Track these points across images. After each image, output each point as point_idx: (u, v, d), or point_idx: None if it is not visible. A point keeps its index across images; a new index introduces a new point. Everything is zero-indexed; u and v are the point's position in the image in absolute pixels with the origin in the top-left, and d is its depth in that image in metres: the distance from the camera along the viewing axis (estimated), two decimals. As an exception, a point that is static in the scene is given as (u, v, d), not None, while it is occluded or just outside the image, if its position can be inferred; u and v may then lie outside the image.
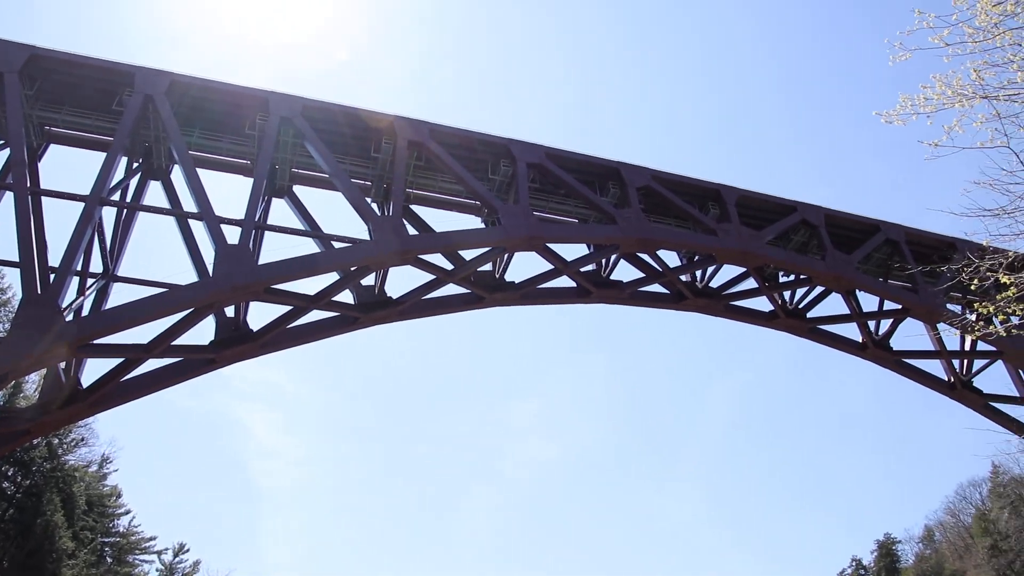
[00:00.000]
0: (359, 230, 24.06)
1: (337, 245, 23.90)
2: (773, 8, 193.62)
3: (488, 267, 27.50)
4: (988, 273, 10.30)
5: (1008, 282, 10.08)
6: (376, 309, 25.61)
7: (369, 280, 25.62)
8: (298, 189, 27.47)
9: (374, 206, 26.30)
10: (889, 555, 78.61)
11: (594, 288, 29.16)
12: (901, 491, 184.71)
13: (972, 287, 11.62)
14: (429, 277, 25.95)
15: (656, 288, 30.82)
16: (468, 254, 26.19)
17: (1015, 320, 33.88)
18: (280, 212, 35.59)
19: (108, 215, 24.33)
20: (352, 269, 24.23)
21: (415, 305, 26.44)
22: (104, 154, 23.04)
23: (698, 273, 31.50)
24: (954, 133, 10.06)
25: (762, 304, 32.78)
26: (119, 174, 24.05)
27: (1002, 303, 10.56)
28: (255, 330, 24.06)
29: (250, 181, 24.19)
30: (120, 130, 23.24)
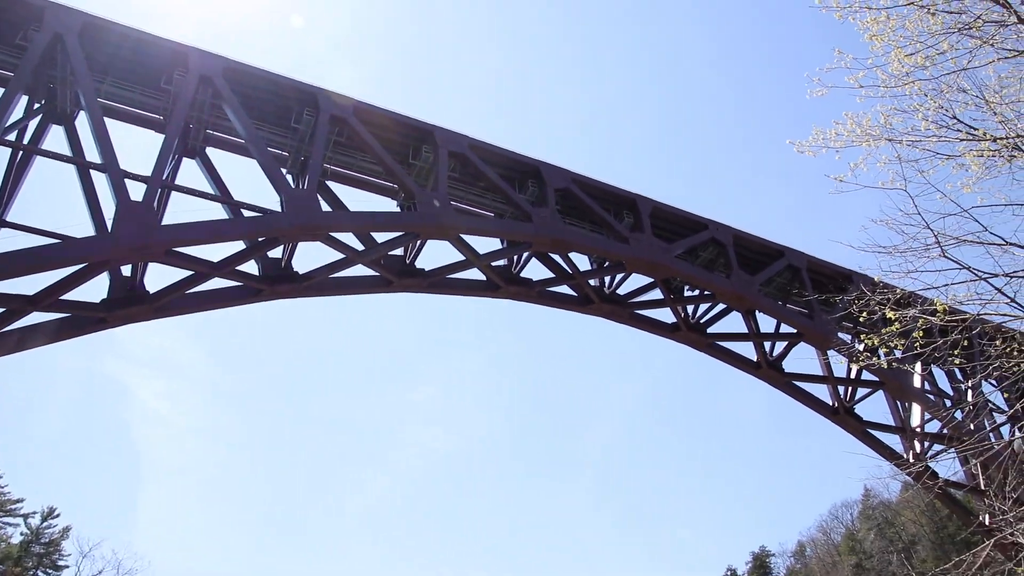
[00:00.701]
0: (271, 200, 23.80)
1: (247, 213, 23.64)
2: (708, 31, 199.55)
3: (399, 252, 27.75)
4: (877, 307, 10.91)
5: (893, 317, 10.74)
6: (281, 283, 25.44)
7: (276, 252, 25.45)
8: (211, 152, 26.86)
9: (289, 178, 26.05)
10: (763, 567, 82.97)
11: (503, 283, 29.78)
12: (779, 507, 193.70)
13: (861, 319, 12.26)
14: (338, 256, 25.95)
15: (564, 289, 31.71)
16: (380, 236, 26.32)
17: (897, 354, 36.24)
18: (190, 173, 34.77)
19: (1, 155, 23.34)
20: (260, 240, 23.99)
21: (321, 283, 26.41)
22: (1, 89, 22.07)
23: (607, 279, 32.57)
24: (859, 171, 10.79)
25: (666, 315, 34.14)
26: (17, 113, 23.12)
27: (886, 336, 11.14)
28: (151, 292, 23.60)
29: (161, 137, 23.60)
30: (22, 66, 22.18)
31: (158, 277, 24.45)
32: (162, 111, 25.70)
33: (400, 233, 26.28)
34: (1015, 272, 10.07)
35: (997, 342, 11.37)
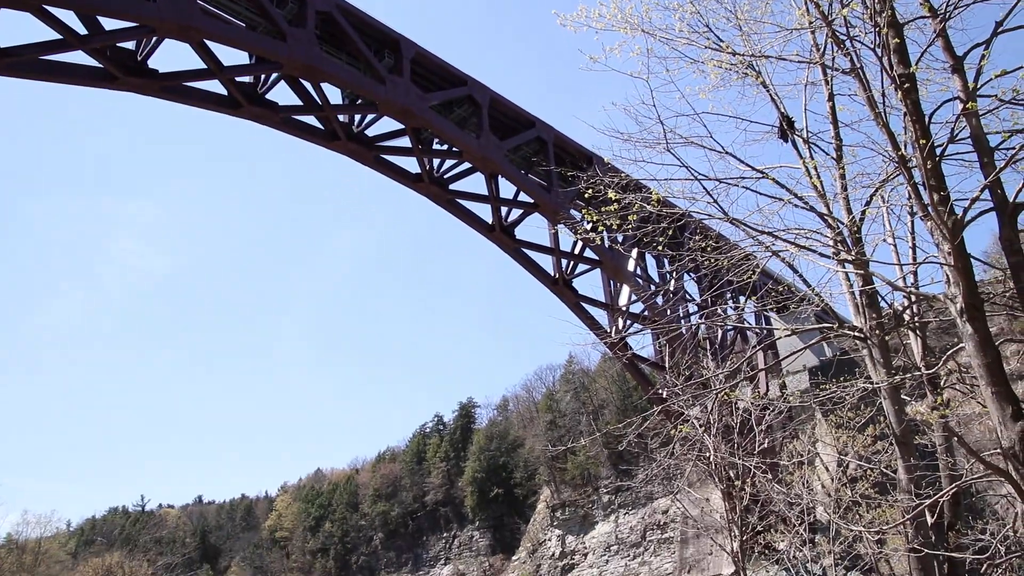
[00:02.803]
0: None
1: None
2: None
3: (130, 46, 25.94)
4: (603, 188, 11.58)
5: (614, 198, 11.44)
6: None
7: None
8: None
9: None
10: (468, 416, 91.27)
11: (246, 102, 28.99)
12: (490, 365, 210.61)
13: (587, 195, 13.11)
14: (55, 36, 23.79)
15: (311, 120, 31.57)
16: (110, 23, 24.41)
17: (619, 238, 40.61)
18: None
19: None
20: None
21: (31, 63, 24.10)
22: None
23: (356, 117, 32.81)
24: (612, 55, 11.16)
25: (411, 165, 35.32)
26: None
27: (604, 215, 11.81)
28: None
29: None
30: None
31: None
32: None
33: (134, 24, 24.50)
34: (726, 179, 11.15)
35: (697, 237, 12.69)
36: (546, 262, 41.56)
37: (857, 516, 11.96)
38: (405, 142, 33.48)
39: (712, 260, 12.17)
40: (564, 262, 41.70)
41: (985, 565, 11.88)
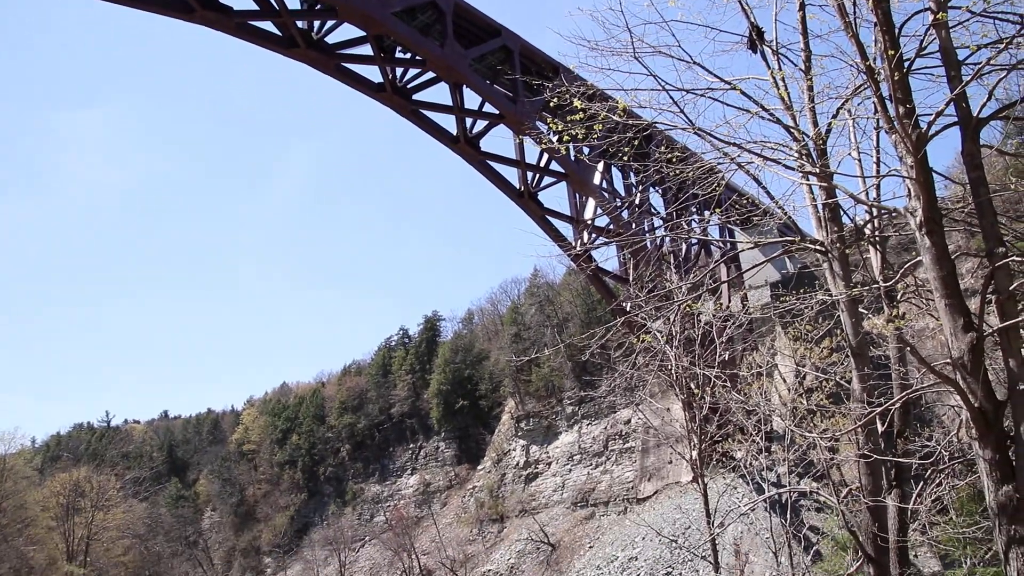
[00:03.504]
0: None
1: None
2: None
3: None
4: (569, 97, 11.38)
5: (580, 107, 11.30)
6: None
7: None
8: None
9: None
10: (433, 329, 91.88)
11: (198, 6, 27.88)
12: (455, 278, 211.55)
13: (552, 104, 12.84)
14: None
15: (268, 26, 30.50)
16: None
17: (585, 151, 40.42)
18: None
19: None
20: None
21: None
22: None
23: (316, 24, 31.74)
24: None
25: (373, 74, 34.49)
26: None
27: (569, 124, 11.62)
28: None
29: None
30: None
31: None
32: None
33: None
34: (693, 89, 10.99)
35: (663, 148, 12.47)
36: (512, 175, 41.34)
37: (812, 425, 12.38)
38: (367, 50, 32.58)
39: (677, 172, 12.12)
40: (530, 175, 41.50)
41: (929, 471, 12.45)
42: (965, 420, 7.13)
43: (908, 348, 8.73)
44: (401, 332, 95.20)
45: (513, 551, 59.21)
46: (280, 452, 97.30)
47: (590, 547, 52.72)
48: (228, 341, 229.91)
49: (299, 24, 30.76)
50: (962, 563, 14.99)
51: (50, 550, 48.99)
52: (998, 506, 6.41)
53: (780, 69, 11.60)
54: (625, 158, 12.67)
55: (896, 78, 8.22)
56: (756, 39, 11.72)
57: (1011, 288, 7.12)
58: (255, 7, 29.30)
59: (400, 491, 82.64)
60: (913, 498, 12.32)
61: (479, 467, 74.61)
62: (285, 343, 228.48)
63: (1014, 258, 7.52)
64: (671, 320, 14.65)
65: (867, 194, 11.69)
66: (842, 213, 11.71)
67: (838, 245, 11.18)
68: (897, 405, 10.34)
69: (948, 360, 7.06)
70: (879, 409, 9.29)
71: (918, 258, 8.53)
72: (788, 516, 14.35)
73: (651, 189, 38.88)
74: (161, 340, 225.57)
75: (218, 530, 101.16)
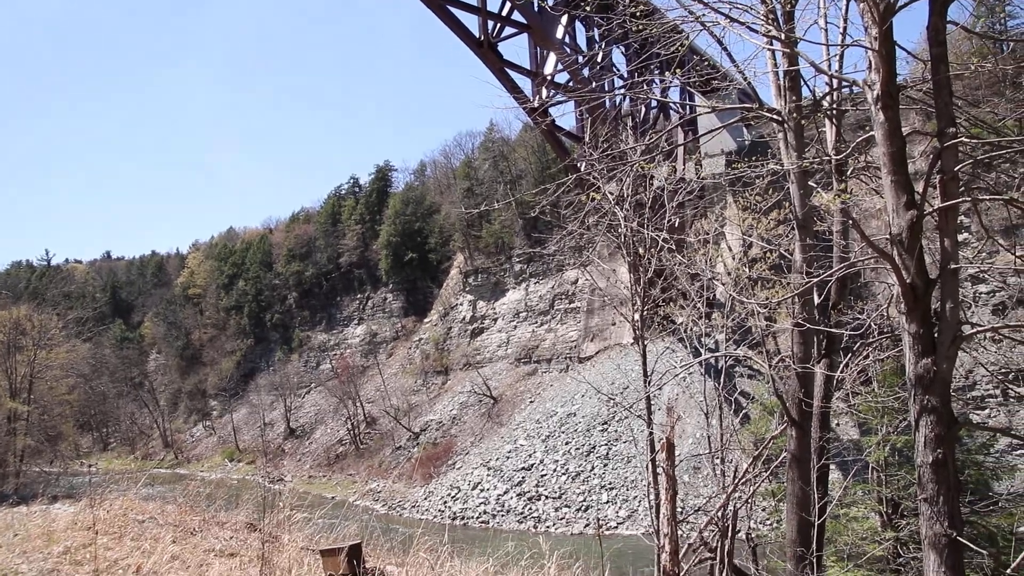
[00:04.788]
0: None
1: None
2: None
3: None
4: None
5: None
6: None
7: None
8: None
9: None
10: (384, 179, 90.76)
11: None
12: (409, 128, 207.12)
13: None
14: None
15: None
16: None
17: (549, 1, 38.95)
18: None
19: None
20: None
21: None
22: None
23: None
24: None
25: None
26: None
27: None
28: None
29: None
30: None
31: None
32: None
33: None
34: None
35: (628, 1, 12.14)
36: (472, 23, 39.96)
37: (752, 295, 12.71)
38: None
39: (641, 28, 11.78)
40: (491, 24, 40.18)
41: (858, 343, 12.99)
42: (896, 296, 7.36)
43: (851, 222, 8.89)
44: (352, 181, 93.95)
45: (456, 402, 61.21)
46: (226, 297, 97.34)
47: (531, 402, 54.73)
48: (174, 182, 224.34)
49: None
50: (877, 431, 15.90)
51: (-8, 386, 49.07)
52: (916, 377, 6.73)
53: (752, -76, 11.10)
54: (588, 8, 12.24)
55: (869, -59, 7.92)
56: None
57: (956, 169, 7.20)
58: None
59: (346, 340, 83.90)
60: (840, 368, 12.91)
61: (426, 320, 75.78)
62: (232, 188, 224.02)
63: (963, 139, 7.55)
64: (623, 182, 14.58)
65: (829, 64, 11.53)
66: (802, 83, 11.60)
67: (795, 115, 11.11)
68: (835, 277, 10.61)
69: (887, 236, 7.21)
70: (816, 279, 9.54)
71: (871, 133, 8.53)
72: (722, 380, 14.98)
73: (614, 47, 37.89)
74: (102, 177, 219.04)
75: (164, 372, 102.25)
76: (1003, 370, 26.78)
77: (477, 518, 42.91)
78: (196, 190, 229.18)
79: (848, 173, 12.32)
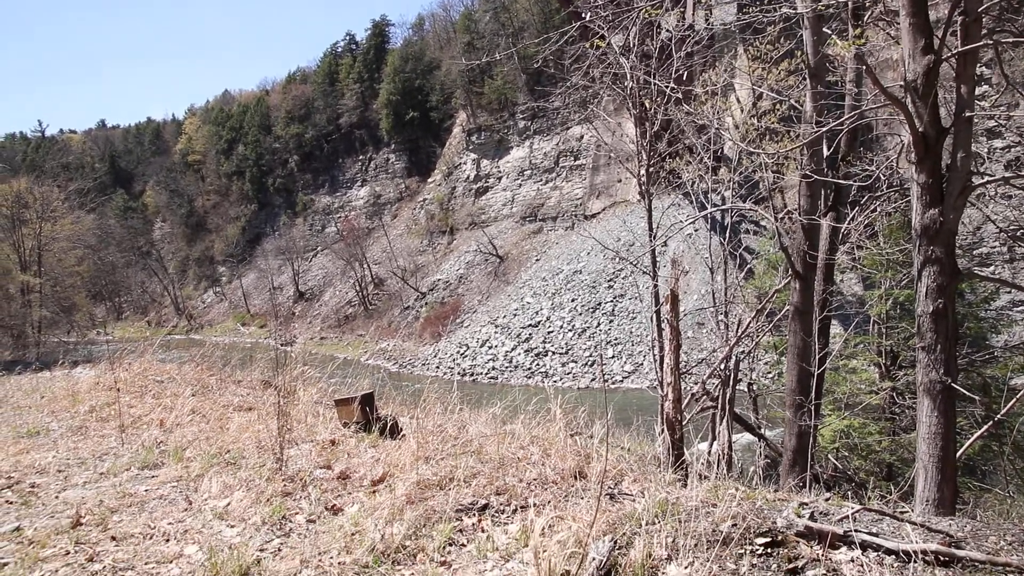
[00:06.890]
0: None
1: None
2: None
3: None
4: None
5: None
6: None
7: None
8: None
9: None
10: (381, 35, 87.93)
11: None
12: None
13: None
14: None
15: None
16: None
17: None
18: None
19: None
20: None
21: None
22: None
23: None
24: None
25: None
26: None
27: None
28: None
29: None
30: None
31: None
32: None
33: None
34: None
35: None
36: None
37: (761, 148, 12.51)
38: None
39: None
40: None
41: (866, 196, 12.89)
42: (907, 145, 7.24)
43: (864, 68, 8.62)
44: (348, 38, 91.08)
45: (462, 262, 61.76)
46: (227, 163, 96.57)
47: (537, 260, 55.18)
48: (165, 44, 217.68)
49: None
50: (880, 284, 15.99)
51: (1, 260, 49.46)
52: (921, 228, 6.71)
53: None
54: None
55: None
56: None
57: (980, 10, 6.90)
58: None
59: (350, 202, 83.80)
60: (847, 221, 12.88)
61: (429, 180, 75.34)
62: (225, 47, 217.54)
63: (989, -23, 7.19)
64: (629, 31, 14.06)
65: None
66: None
67: (811, -47, 10.56)
68: (846, 127, 10.42)
69: (902, 84, 7.00)
70: (826, 128, 9.35)
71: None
72: (727, 236, 14.95)
73: None
74: (90, 42, 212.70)
75: (170, 240, 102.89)
76: (1012, 226, 26.62)
77: (486, 374, 44.17)
78: (187, 50, 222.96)
79: (865, 19, 11.84)
